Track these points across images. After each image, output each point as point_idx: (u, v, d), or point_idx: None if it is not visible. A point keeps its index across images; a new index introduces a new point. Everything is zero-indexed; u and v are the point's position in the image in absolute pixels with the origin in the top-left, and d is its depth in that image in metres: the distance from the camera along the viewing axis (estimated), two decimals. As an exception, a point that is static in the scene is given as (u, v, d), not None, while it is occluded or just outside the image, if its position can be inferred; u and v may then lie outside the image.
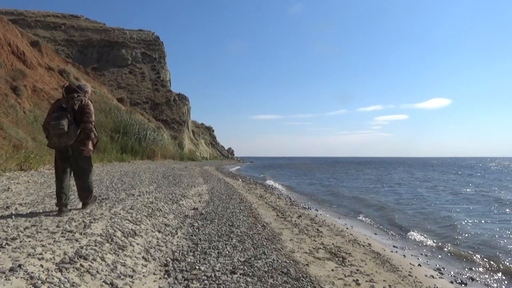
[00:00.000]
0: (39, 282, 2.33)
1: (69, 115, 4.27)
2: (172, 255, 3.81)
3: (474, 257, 6.17)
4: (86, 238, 3.36)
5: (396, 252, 6.18)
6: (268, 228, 5.98)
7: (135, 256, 3.46)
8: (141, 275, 3.13)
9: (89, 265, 2.85)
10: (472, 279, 5.10)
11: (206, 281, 3.18)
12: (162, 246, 4.05)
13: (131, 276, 3.03)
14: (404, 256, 5.96)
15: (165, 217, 5.37)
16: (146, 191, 7.45)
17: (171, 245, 4.18)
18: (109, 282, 2.75)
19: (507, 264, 5.82)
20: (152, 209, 5.51)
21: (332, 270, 4.17)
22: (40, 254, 2.76)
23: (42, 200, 5.45)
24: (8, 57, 17.69)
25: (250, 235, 5.13)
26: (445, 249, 6.72)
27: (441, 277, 4.96)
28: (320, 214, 9.55)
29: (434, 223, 9.31)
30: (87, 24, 62.46)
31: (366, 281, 3.95)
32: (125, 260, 3.26)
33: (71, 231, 3.47)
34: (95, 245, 3.23)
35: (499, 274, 5.43)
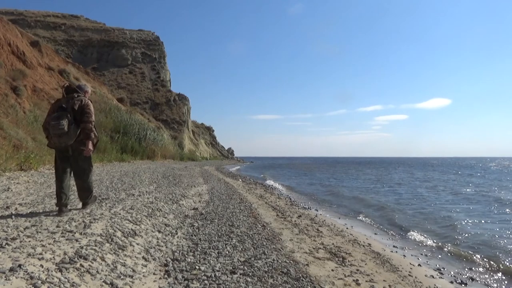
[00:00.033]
0: (39, 282, 2.33)
1: (69, 115, 4.28)
2: (172, 255, 3.81)
3: (474, 257, 6.17)
4: (86, 238, 3.36)
5: (396, 252, 6.18)
6: (268, 228, 5.98)
7: (135, 256, 3.46)
8: (141, 275, 3.13)
9: (89, 265, 2.85)
10: (472, 279, 5.10)
11: (206, 281, 3.18)
12: (162, 246, 4.05)
13: (131, 276, 3.03)
14: (404, 256, 5.96)
15: (165, 217, 5.37)
16: (146, 191, 7.45)
17: (171, 245, 4.18)
18: (109, 282, 2.75)
19: (507, 264, 5.81)
20: (152, 209, 5.51)
21: (332, 270, 4.18)
22: (40, 254, 2.76)
23: (42, 200, 5.45)
24: (8, 57, 17.69)
25: (250, 235, 5.13)
26: (445, 249, 6.72)
27: (441, 277, 4.96)
28: (320, 214, 9.55)
29: (434, 223, 9.31)
30: (87, 24, 62.48)
31: (366, 281, 3.95)
32: (125, 260, 3.26)
33: (71, 231, 3.47)
34: (95, 245, 3.23)
35: (499, 274, 5.43)
